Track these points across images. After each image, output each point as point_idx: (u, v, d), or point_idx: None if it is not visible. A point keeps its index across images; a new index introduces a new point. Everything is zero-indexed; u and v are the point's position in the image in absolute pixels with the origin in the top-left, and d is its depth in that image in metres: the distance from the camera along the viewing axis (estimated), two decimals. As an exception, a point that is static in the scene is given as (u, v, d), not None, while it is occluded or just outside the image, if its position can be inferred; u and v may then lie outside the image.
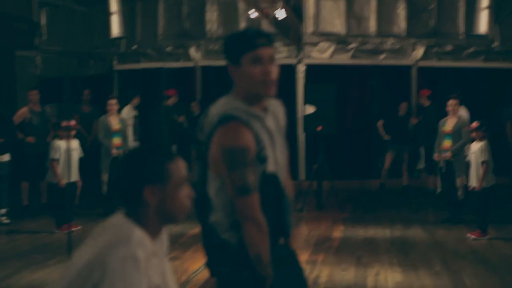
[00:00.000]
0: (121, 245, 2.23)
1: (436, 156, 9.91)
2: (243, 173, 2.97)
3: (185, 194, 2.44)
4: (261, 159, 2.99)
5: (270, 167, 3.03)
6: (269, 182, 3.02)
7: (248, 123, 2.92)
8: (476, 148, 8.81)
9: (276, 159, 3.10)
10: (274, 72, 2.99)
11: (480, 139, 8.76)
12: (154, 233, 2.42)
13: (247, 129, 2.91)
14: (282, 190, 3.09)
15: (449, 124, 9.72)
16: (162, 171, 2.39)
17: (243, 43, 3.05)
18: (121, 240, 2.26)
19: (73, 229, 8.89)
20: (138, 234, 2.33)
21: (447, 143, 9.62)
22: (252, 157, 2.99)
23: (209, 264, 3.20)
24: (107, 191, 10.20)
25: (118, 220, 2.40)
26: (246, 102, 2.99)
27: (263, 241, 2.98)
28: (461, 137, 9.53)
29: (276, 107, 3.19)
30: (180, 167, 2.44)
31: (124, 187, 2.41)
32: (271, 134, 3.06)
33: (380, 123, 12.46)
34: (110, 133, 10.24)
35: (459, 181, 9.50)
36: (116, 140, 10.31)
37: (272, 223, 2.99)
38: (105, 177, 10.16)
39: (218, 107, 3.10)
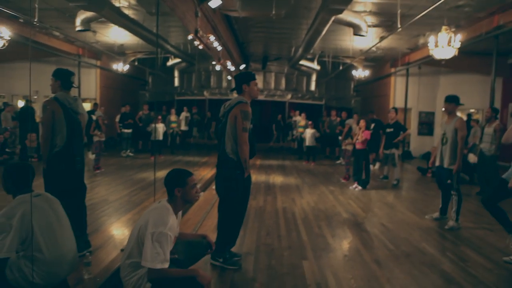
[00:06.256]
0: (162, 226, 1.95)
1: (296, 134, 10.34)
2: (247, 122, 2.71)
3: (195, 192, 2.15)
4: (251, 123, 2.80)
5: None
6: (250, 134, 2.80)
7: (249, 106, 2.78)
8: (311, 132, 9.16)
9: None
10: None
11: (313, 128, 9.28)
12: (178, 210, 2.14)
13: (250, 107, 2.77)
14: (253, 140, 2.89)
15: (301, 121, 9.95)
16: (184, 181, 2.12)
17: (251, 76, 2.83)
18: (163, 222, 1.97)
19: (161, 157, 9.22)
20: (171, 220, 2.01)
21: (300, 129, 9.90)
22: (250, 118, 2.77)
23: (218, 168, 2.89)
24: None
25: (163, 204, 2.09)
26: (247, 99, 2.85)
27: (247, 153, 2.72)
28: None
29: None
30: (193, 179, 2.14)
31: (168, 187, 2.14)
32: None
33: (273, 126, 12.62)
34: (170, 122, 10.37)
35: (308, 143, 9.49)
36: (172, 125, 10.42)
37: (250, 151, 2.81)
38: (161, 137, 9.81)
39: (234, 99, 2.80)
